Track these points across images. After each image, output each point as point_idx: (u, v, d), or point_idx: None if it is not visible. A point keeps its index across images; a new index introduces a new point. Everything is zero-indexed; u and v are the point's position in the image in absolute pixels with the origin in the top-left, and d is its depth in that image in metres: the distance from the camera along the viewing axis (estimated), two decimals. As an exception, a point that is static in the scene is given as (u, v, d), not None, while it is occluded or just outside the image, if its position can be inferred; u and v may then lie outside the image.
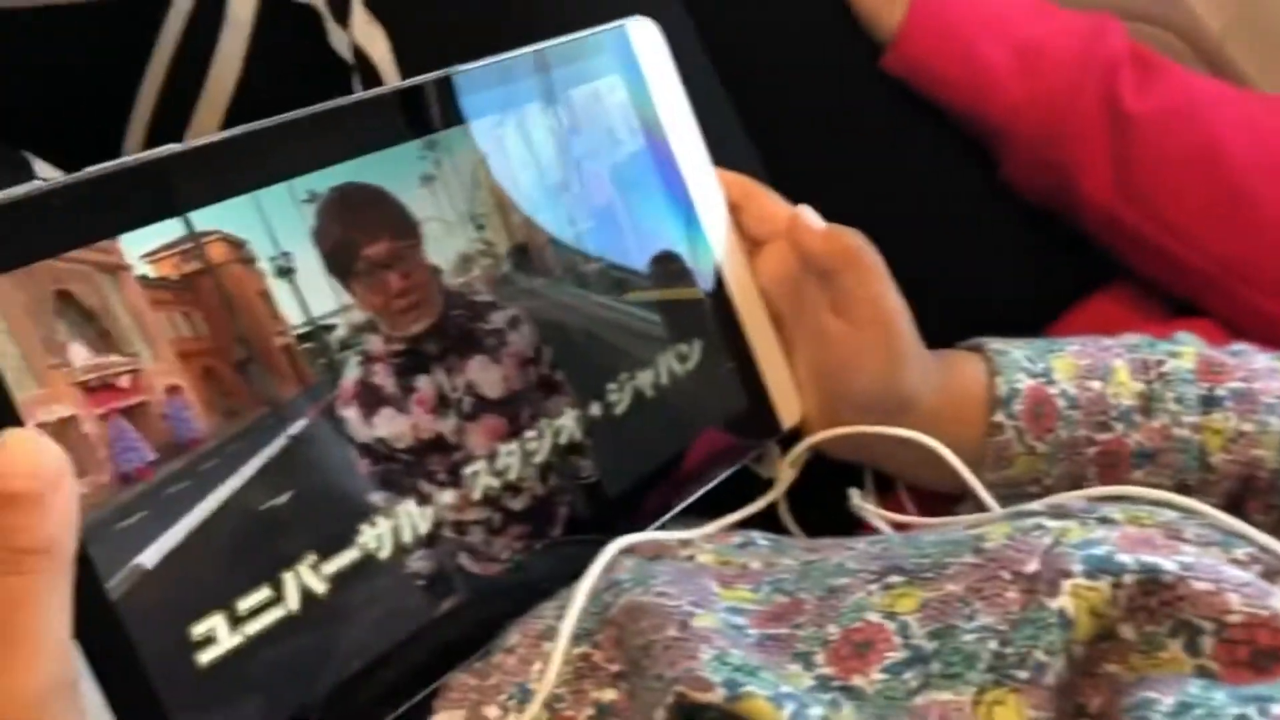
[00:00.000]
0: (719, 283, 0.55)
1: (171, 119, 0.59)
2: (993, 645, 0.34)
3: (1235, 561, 0.36)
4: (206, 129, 0.58)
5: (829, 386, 0.54)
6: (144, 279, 0.38)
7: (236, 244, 0.40)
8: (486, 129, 0.47)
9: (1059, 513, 0.40)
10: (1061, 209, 0.65)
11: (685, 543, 0.50)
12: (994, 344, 0.55)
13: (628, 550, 0.48)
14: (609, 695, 0.40)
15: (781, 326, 0.56)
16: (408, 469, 0.43)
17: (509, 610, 0.45)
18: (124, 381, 0.37)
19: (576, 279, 0.50)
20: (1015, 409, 0.52)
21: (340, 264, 0.42)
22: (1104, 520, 0.39)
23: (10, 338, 0.35)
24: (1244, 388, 0.51)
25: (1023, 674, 0.32)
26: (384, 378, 0.43)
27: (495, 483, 0.46)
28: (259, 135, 0.40)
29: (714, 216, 0.55)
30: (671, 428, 0.52)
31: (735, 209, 0.56)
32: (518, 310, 0.48)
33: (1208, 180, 0.60)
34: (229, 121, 0.58)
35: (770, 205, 0.56)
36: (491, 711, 0.41)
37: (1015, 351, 0.54)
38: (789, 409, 0.56)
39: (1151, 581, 0.33)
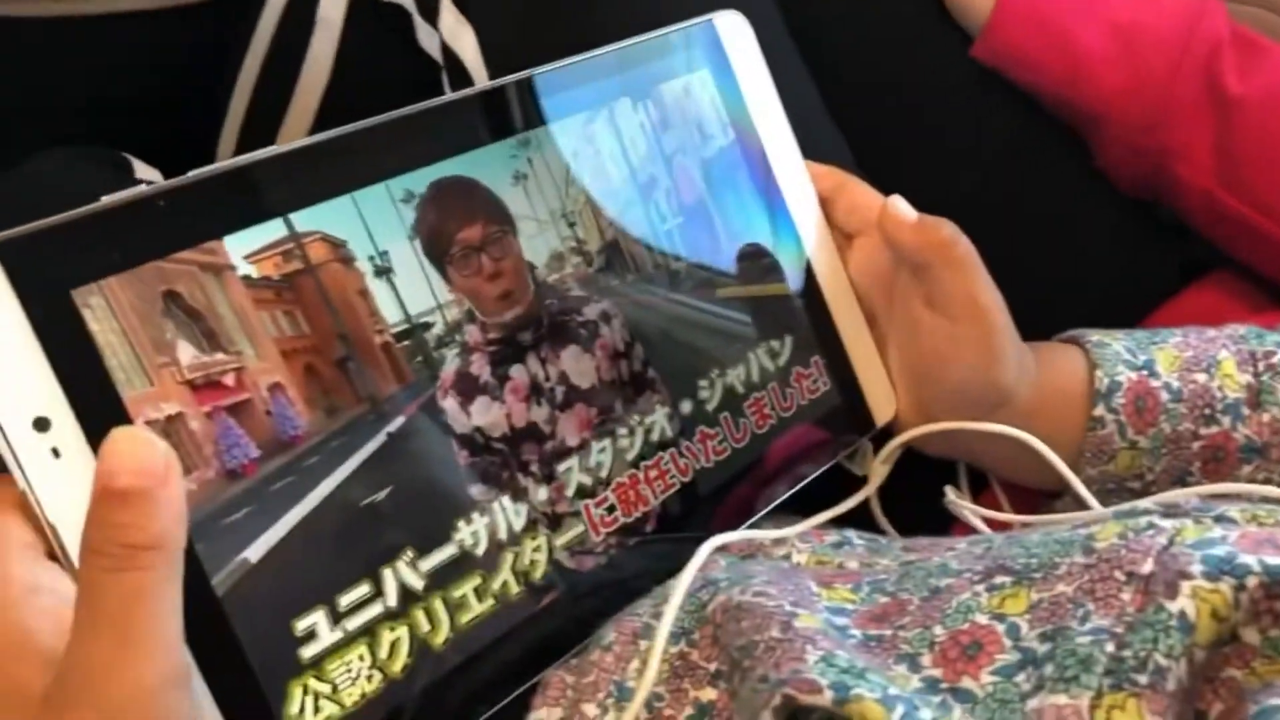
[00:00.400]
0: (810, 277, 0.54)
1: (264, 119, 0.60)
2: (1109, 648, 0.33)
3: None
4: (298, 129, 0.59)
5: (924, 382, 0.53)
6: (247, 279, 0.38)
7: (336, 244, 0.40)
8: (577, 127, 0.47)
9: (1172, 511, 0.39)
10: (1159, 197, 0.63)
11: (779, 541, 0.49)
12: (1093, 336, 0.54)
13: (721, 548, 0.48)
14: (709, 695, 0.40)
15: (874, 321, 0.56)
16: (503, 461, 0.43)
17: (604, 608, 0.45)
18: (229, 379, 0.38)
19: (667, 276, 0.50)
20: (1116, 402, 0.51)
21: (436, 250, 0.43)
22: (1221, 519, 0.38)
23: (122, 337, 0.35)
24: None
25: (1143, 678, 0.31)
26: (480, 367, 0.43)
27: (588, 480, 0.46)
28: (356, 137, 0.41)
29: (805, 210, 0.55)
30: (763, 427, 0.52)
31: (826, 201, 0.55)
32: (610, 305, 0.48)
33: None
34: (320, 121, 0.59)
35: (862, 196, 0.55)
36: (590, 709, 0.41)
37: (1115, 344, 0.53)
38: (882, 405, 0.55)
39: (1276, 584, 0.32)
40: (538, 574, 0.44)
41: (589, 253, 0.47)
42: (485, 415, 0.43)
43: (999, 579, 0.38)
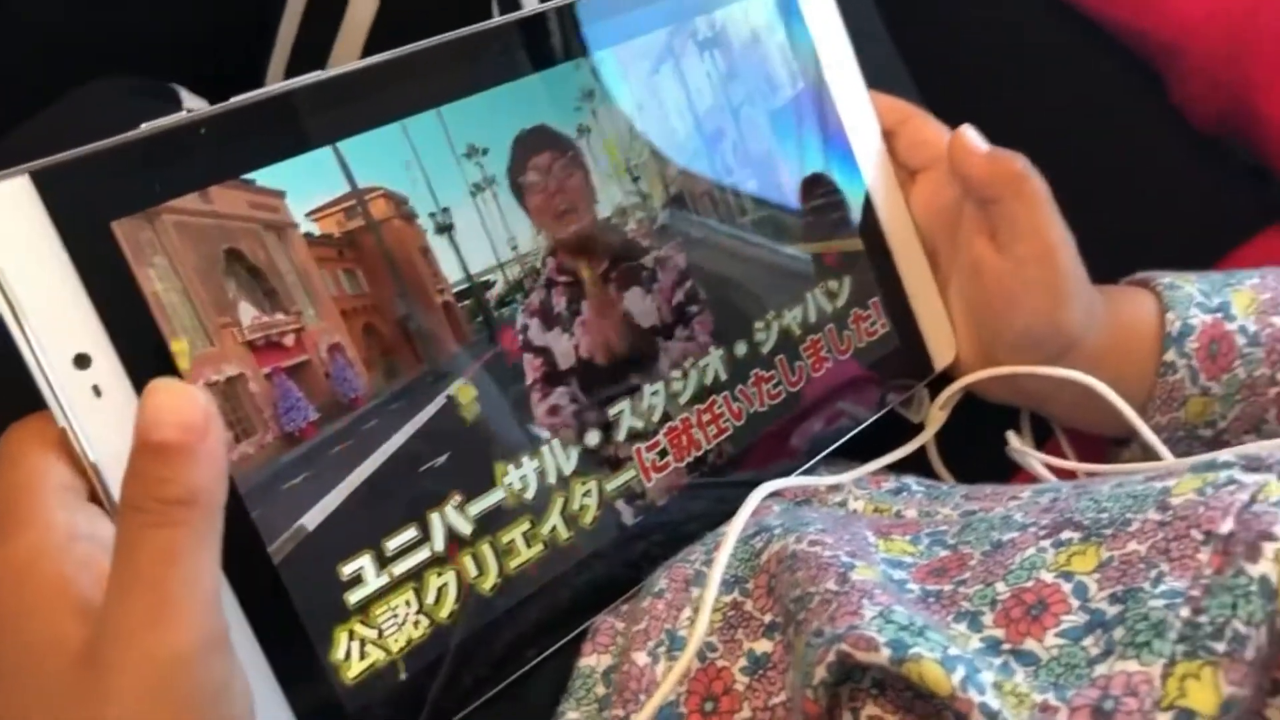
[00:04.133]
0: (870, 217, 0.53)
1: (311, 53, 0.58)
2: (1184, 613, 0.31)
3: None
4: (346, 58, 0.57)
5: (986, 324, 0.52)
6: (309, 236, 0.37)
7: (398, 200, 0.39)
8: (640, 76, 0.46)
9: (1254, 464, 0.37)
10: (1237, 136, 0.61)
11: (835, 488, 0.48)
12: (1165, 278, 0.52)
13: (775, 494, 0.47)
14: (763, 646, 0.39)
15: (936, 261, 0.54)
16: (561, 404, 0.43)
17: (656, 553, 0.45)
18: (289, 340, 0.37)
19: (727, 217, 0.48)
20: (1189, 347, 0.49)
21: (515, 181, 0.42)
22: None
23: (183, 295, 0.35)
24: None
25: (1220, 646, 0.30)
26: (557, 299, 0.43)
27: (640, 423, 0.45)
28: (402, 62, 0.39)
29: (868, 144, 0.53)
30: (822, 370, 0.51)
31: (890, 135, 0.54)
32: (671, 248, 0.46)
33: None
34: (368, 50, 0.58)
35: (928, 130, 0.53)
36: (640, 657, 0.41)
37: (1188, 286, 0.51)
38: (942, 348, 0.54)
39: None
40: (587, 519, 0.43)
41: (653, 207, 0.46)
42: (557, 343, 0.43)
43: (1066, 534, 0.37)
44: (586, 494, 0.43)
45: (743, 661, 0.39)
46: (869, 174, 0.53)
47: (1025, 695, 0.31)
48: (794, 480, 0.48)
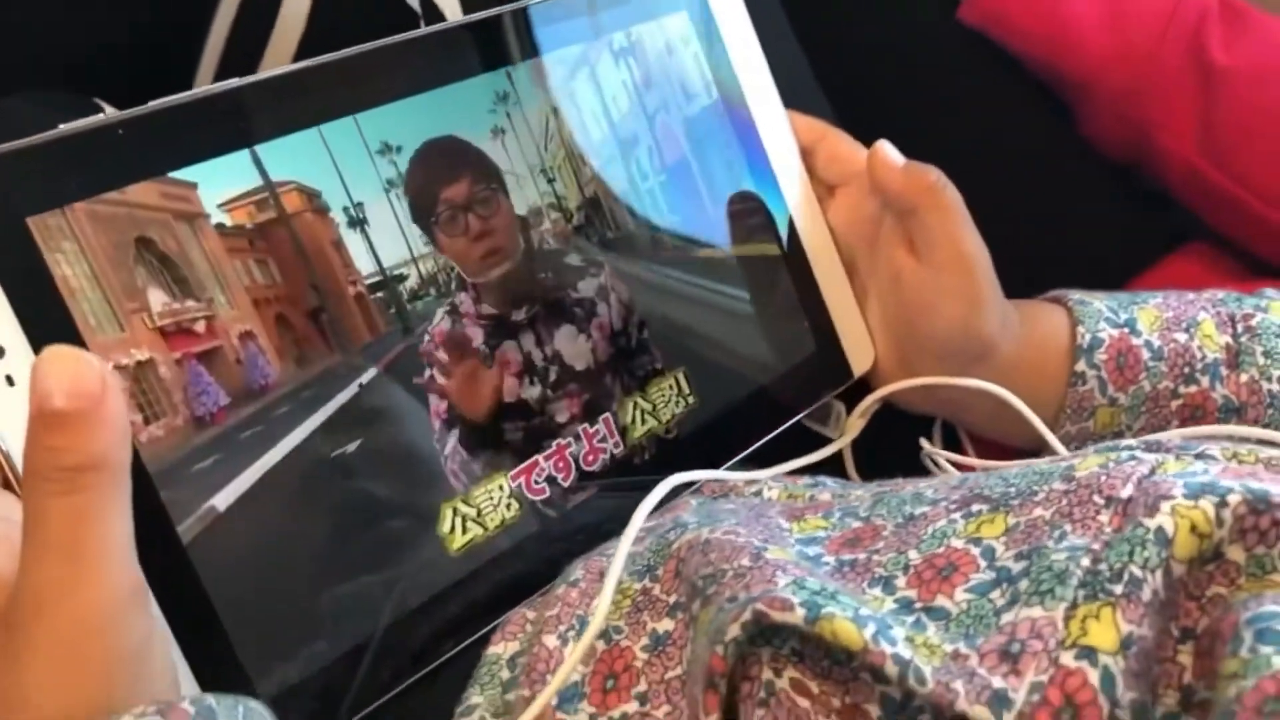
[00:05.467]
0: (790, 230, 0.54)
1: (238, 69, 0.59)
2: (1085, 563, 0.32)
3: None
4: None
5: (905, 333, 0.53)
6: (220, 227, 0.38)
7: (311, 194, 0.40)
8: (556, 81, 0.47)
9: (1154, 447, 0.39)
10: (1142, 165, 0.63)
11: (752, 481, 0.49)
12: (1076, 294, 0.54)
13: (695, 491, 0.48)
14: (665, 625, 0.40)
15: (855, 273, 0.55)
16: (484, 429, 0.43)
17: (574, 550, 0.45)
18: (200, 327, 0.37)
19: (649, 233, 0.49)
20: (1098, 358, 0.51)
21: (422, 211, 0.42)
22: (1202, 456, 0.37)
23: (89, 275, 0.35)
24: None
25: (1118, 588, 0.31)
26: (474, 333, 0.43)
27: (563, 419, 0.46)
28: (318, 70, 0.40)
29: (786, 158, 0.54)
30: (740, 375, 0.52)
31: (808, 152, 0.55)
32: (605, 278, 0.47)
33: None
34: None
35: (844, 147, 0.54)
36: (550, 640, 0.41)
37: (1098, 302, 0.53)
38: (860, 356, 0.55)
39: (1261, 502, 0.32)
40: (500, 516, 0.44)
41: (568, 209, 0.47)
42: (471, 384, 0.43)
43: (976, 506, 0.38)
44: (500, 488, 0.44)
45: (644, 640, 0.40)
46: (786, 187, 0.54)
47: (936, 646, 0.32)
48: (705, 474, 0.48)
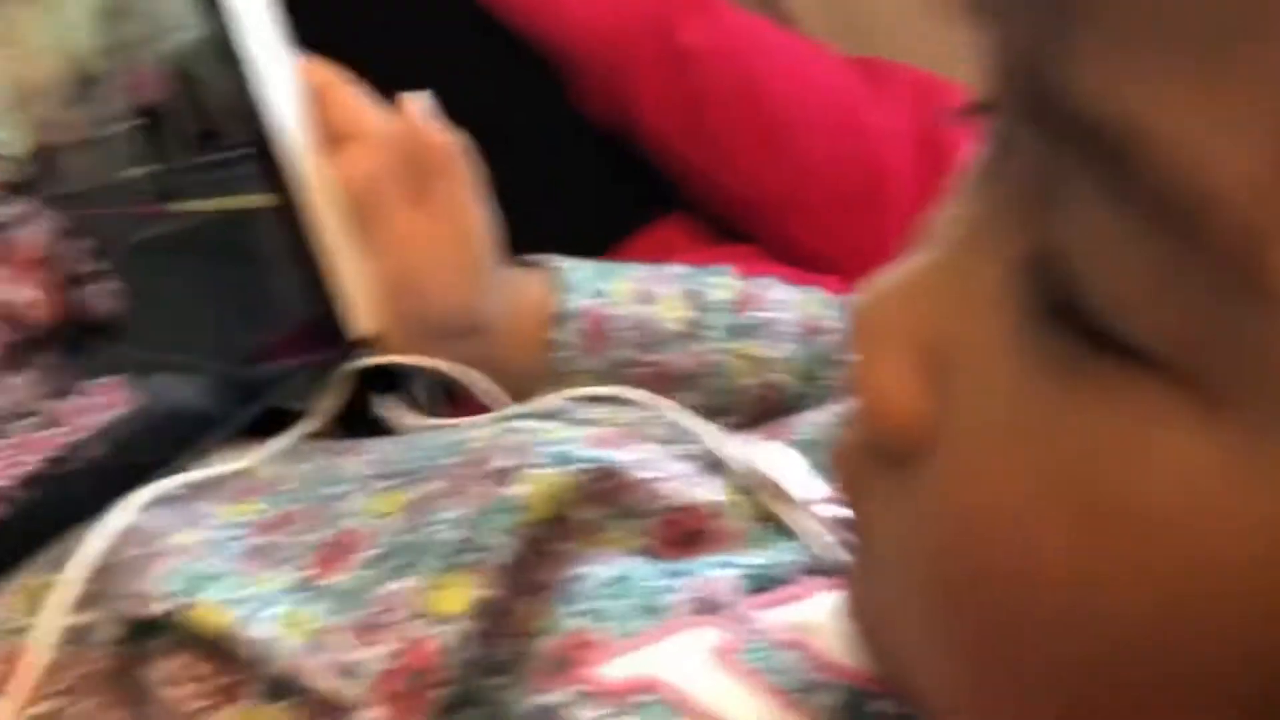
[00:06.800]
0: (289, 185, 0.51)
1: None
2: (453, 535, 0.36)
3: (689, 457, 0.41)
4: None
5: (404, 299, 0.53)
6: None
7: None
8: None
9: (551, 414, 0.44)
10: (629, 137, 0.67)
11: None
12: (558, 262, 0.56)
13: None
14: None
15: (359, 233, 0.53)
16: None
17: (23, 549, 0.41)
18: None
19: (118, 185, 0.45)
20: (573, 328, 0.54)
21: None
22: (585, 421, 0.42)
23: None
24: (768, 317, 0.55)
25: (472, 556, 0.35)
26: None
27: None
28: None
29: (285, 106, 0.51)
30: (224, 341, 0.49)
31: (315, 101, 0.52)
32: (33, 208, 0.42)
33: (755, 117, 0.64)
34: None
35: (355, 99, 0.52)
36: None
37: (579, 271, 0.55)
38: (359, 321, 0.53)
39: (603, 473, 0.37)
40: None
41: (15, 156, 0.42)
42: None
43: (381, 483, 0.41)
44: None
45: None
46: (284, 135, 0.50)
47: (309, 624, 0.35)
48: (167, 484, 0.44)
